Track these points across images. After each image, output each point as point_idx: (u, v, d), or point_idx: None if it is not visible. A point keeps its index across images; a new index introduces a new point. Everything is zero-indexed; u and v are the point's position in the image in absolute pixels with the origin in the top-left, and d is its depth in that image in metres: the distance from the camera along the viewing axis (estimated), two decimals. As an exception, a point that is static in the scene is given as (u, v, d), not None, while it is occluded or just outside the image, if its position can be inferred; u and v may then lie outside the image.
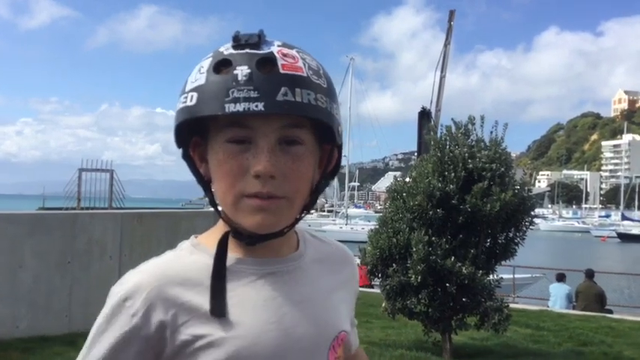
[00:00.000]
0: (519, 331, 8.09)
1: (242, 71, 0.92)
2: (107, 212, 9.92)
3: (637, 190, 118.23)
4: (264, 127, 0.95)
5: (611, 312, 11.25)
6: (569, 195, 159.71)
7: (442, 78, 37.60)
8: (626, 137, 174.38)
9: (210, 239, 1.03)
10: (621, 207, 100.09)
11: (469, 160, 6.08)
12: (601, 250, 48.84)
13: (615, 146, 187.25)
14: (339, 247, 1.19)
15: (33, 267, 6.68)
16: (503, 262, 6.67)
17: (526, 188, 6.39)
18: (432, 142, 6.49)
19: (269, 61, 0.94)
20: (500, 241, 6.31)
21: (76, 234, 6.99)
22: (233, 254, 1.00)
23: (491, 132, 6.46)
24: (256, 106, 0.91)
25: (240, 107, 0.91)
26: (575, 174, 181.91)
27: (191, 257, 1.01)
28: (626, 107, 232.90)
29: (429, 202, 5.95)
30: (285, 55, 0.95)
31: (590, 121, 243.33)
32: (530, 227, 6.43)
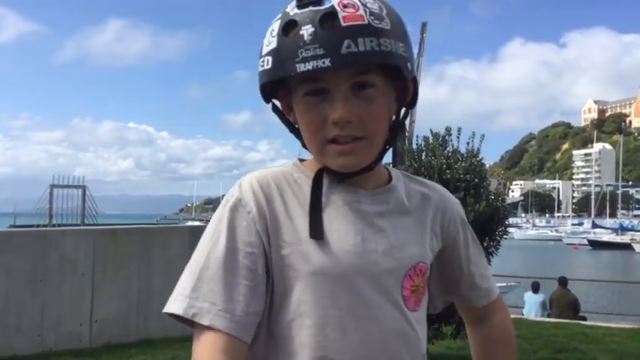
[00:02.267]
0: (495, 340, 8.13)
1: (307, 31, 1.01)
2: (79, 229, 9.79)
3: (608, 198, 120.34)
4: (335, 79, 1.04)
5: (584, 319, 11.38)
6: (542, 204, 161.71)
7: (415, 90, 37.97)
8: (597, 146, 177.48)
9: (311, 165, 1.15)
10: (592, 215, 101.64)
11: (447, 171, 6.11)
12: (573, 258, 49.51)
13: (586, 155, 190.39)
14: (434, 187, 1.27)
15: (3, 286, 6.54)
16: (478, 272, 6.71)
17: (500, 198, 6.45)
18: (408, 153, 6.52)
19: (331, 15, 1.00)
20: (475, 251, 6.36)
21: (48, 251, 6.87)
22: (327, 181, 1.13)
23: (468, 143, 6.51)
24: (323, 63, 0.99)
25: (309, 66, 1.00)
26: (548, 183, 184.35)
27: (294, 175, 1.15)
28: (595, 117, 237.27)
29: (404, 212, 5.96)
30: (345, 5, 1.01)
31: (561, 130, 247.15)
32: (504, 237, 6.49)
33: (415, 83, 1.13)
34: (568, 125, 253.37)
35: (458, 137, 6.54)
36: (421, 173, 6.18)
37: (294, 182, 1.13)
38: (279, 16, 1.06)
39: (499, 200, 6.40)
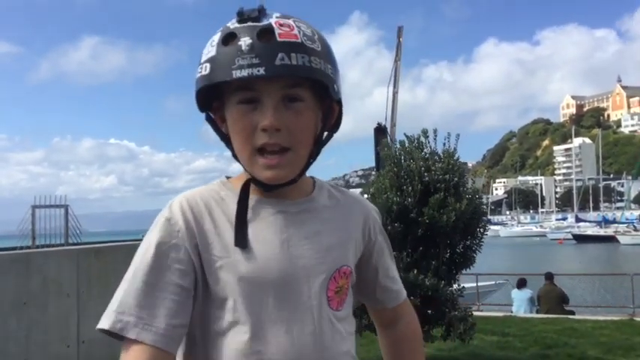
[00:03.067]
0: (485, 338, 8.16)
1: (245, 42, 1.08)
2: (62, 249, 9.68)
3: (590, 191, 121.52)
4: (267, 88, 1.11)
5: (573, 313, 11.46)
6: (526, 200, 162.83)
7: (395, 94, 38.06)
8: (577, 141, 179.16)
9: (237, 181, 1.22)
10: (575, 209, 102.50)
11: (425, 174, 6.13)
12: (559, 253, 49.91)
13: (566, 150, 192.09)
14: (355, 197, 1.36)
15: (-14, 311, 6.44)
16: (465, 271, 6.73)
17: (476, 195, 6.46)
18: (388, 158, 6.54)
19: (268, 31, 1.09)
20: (459, 251, 6.37)
21: (31, 273, 6.78)
22: (254, 195, 1.19)
23: (444, 144, 6.54)
24: (258, 71, 1.06)
25: (244, 73, 1.07)
26: (530, 179, 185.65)
27: (221, 193, 1.20)
28: (574, 112, 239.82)
29: (388, 216, 5.98)
30: (281, 25, 1.10)
31: (540, 127, 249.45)
32: (485, 233, 6.50)
33: (340, 106, 1.21)
34: (547, 122, 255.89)
35: (435, 139, 6.57)
36: (401, 177, 6.20)
37: (221, 200, 1.19)
38: (220, 29, 1.14)
39: (476, 197, 6.41)
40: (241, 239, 1.14)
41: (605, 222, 76.55)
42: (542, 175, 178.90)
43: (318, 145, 1.21)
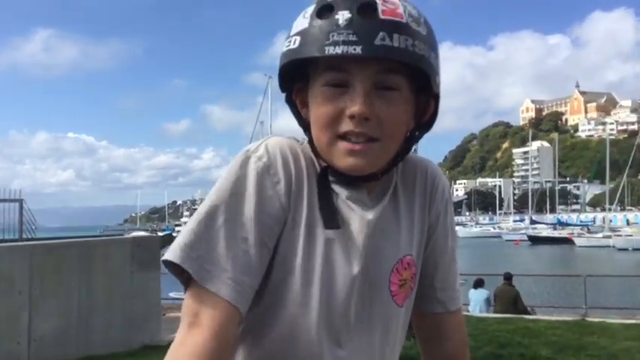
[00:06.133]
0: (441, 338, 8.24)
1: (343, 16, 0.95)
2: (14, 245, 9.46)
3: (547, 194, 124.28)
4: (361, 71, 0.98)
5: (528, 312, 11.69)
6: (485, 202, 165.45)
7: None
8: (535, 144, 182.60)
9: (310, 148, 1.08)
10: (530, 212, 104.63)
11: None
12: (514, 253, 50.91)
13: (525, 153, 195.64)
14: (423, 166, 1.17)
15: None
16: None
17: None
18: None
19: (370, 6, 0.96)
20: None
21: (-19, 270, 6.60)
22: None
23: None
24: (354, 49, 0.93)
25: (338, 50, 0.94)
26: (490, 181, 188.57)
27: (314, 162, 1.06)
28: (533, 116, 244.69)
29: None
30: (386, 1, 0.97)
31: (501, 130, 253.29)
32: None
33: (436, 102, 1.07)
34: (507, 125, 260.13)
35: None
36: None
37: (314, 169, 1.06)
38: (315, 1, 1.01)
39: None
40: (332, 222, 1.03)
41: (560, 224, 78.46)
42: (501, 177, 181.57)
43: (409, 142, 1.07)
